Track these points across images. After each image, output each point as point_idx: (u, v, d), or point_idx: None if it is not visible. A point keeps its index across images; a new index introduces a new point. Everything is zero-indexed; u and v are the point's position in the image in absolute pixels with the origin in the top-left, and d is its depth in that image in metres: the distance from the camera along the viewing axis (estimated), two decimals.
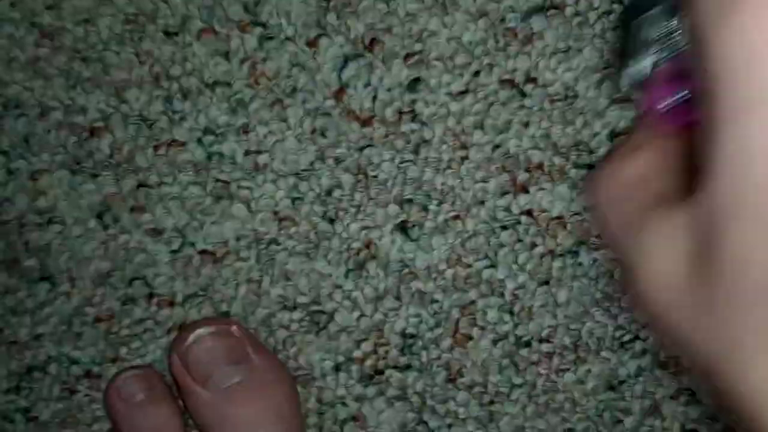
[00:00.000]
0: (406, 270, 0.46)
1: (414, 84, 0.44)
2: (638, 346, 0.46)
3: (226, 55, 0.44)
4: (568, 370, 0.46)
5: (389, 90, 0.44)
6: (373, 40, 0.44)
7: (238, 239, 0.45)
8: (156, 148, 0.44)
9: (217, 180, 0.45)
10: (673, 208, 0.20)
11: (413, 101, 0.44)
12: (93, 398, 0.46)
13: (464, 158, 0.45)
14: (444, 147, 0.45)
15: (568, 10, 0.44)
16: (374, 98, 0.44)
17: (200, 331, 0.43)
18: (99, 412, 0.46)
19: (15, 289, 0.45)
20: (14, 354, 0.46)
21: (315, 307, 0.46)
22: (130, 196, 0.45)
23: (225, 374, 0.43)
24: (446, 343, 0.46)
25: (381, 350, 0.46)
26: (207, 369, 0.43)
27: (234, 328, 0.44)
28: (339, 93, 0.44)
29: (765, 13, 0.17)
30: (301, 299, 0.46)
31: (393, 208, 0.45)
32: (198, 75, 0.44)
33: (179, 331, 0.45)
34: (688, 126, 0.21)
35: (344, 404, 0.47)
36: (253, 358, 0.44)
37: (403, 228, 0.45)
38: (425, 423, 0.47)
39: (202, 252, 0.45)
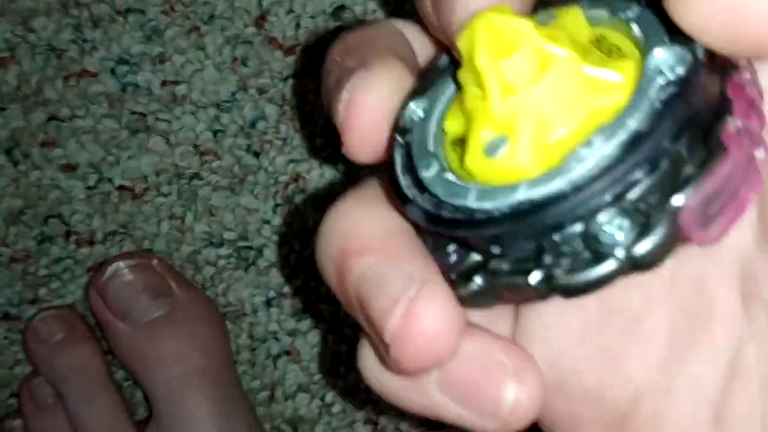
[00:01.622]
0: None
1: (338, 11, 0.42)
2: None
3: None
4: None
5: (313, 17, 0.42)
6: (340, 7, 0.42)
7: (157, 174, 0.43)
8: (66, 79, 0.42)
9: (133, 112, 0.43)
10: None
11: (338, 29, 0.43)
12: (12, 340, 0.45)
13: None
14: None
15: None
16: (297, 26, 0.43)
17: (119, 264, 0.42)
18: (19, 354, 0.45)
19: None
20: None
21: (242, 243, 0.45)
22: (40, 130, 0.42)
23: (146, 308, 0.42)
24: None
25: (312, 284, 0.46)
26: (127, 303, 0.42)
27: (155, 261, 0.43)
28: (260, 20, 0.42)
29: None
30: (228, 235, 0.44)
31: (320, 141, 0.44)
32: (109, 1, 0.42)
33: (98, 266, 0.44)
34: None
35: (276, 339, 0.46)
36: (176, 292, 0.42)
37: (332, 160, 0.44)
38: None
39: (120, 188, 0.43)
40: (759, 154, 0.17)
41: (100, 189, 0.43)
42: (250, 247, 0.45)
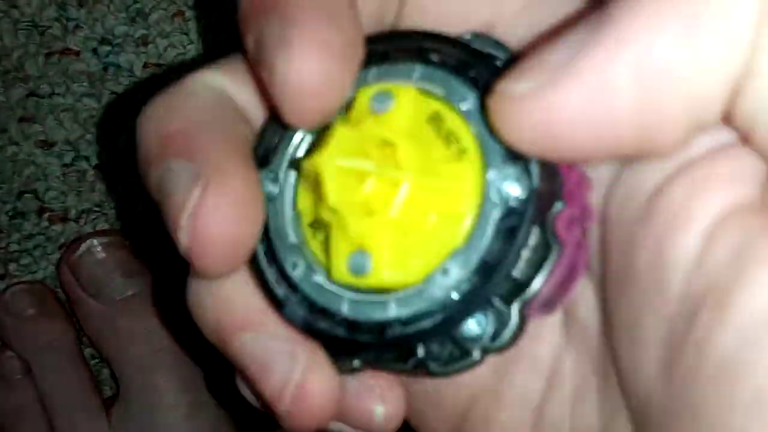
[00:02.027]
0: None
1: None
2: None
3: None
4: None
5: None
6: None
7: None
8: (48, 56, 0.42)
9: (113, 92, 0.43)
10: None
11: None
12: None
13: None
14: None
15: None
16: None
17: (92, 241, 0.42)
18: None
19: None
20: None
21: None
22: (19, 106, 0.43)
23: (118, 286, 0.42)
24: None
25: None
26: (99, 281, 0.42)
27: (128, 241, 0.43)
28: None
29: None
30: None
31: None
32: None
33: (71, 243, 0.44)
34: None
35: None
36: (148, 272, 0.43)
37: None
38: None
39: (97, 166, 0.44)
40: (585, 239, 0.20)
41: (77, 167, 0.44)
42: None
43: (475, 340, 0.19)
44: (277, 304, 0.20)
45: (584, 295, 0.20)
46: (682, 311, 0.17)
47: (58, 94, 0.43)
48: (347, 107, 0.20)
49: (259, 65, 0.19)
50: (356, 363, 0.21)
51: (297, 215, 0.21)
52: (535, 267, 0.19)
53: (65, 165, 0.44)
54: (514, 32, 0.21)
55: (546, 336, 0.21)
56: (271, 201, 0.21)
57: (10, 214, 0.44)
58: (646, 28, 0.16)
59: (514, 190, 0.19)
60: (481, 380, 0.22)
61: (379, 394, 0.21)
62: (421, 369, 0.20)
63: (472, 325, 0.19)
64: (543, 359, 0.21)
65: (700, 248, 0.17)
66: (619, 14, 0.16)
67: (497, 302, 0.19)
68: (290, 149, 0.21)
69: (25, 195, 0.44)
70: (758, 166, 0.18)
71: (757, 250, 0.17)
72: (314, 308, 0.20)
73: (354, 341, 0.20)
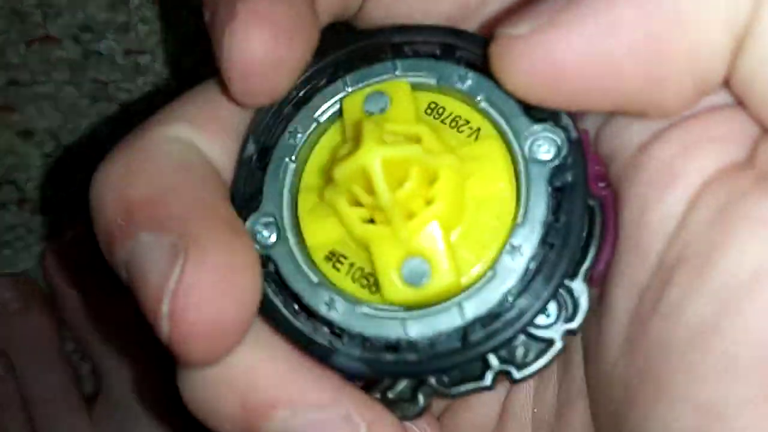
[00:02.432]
0: None
1: None
2: None
3: None
4: None
5: None
6: None
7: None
8: (29, 44, 0.42)
9: (95, 80, 0.43)
10: None
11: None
12: None
13: None
14: None
15: None
16: None
17: (75, 232, 0.42)
18: None
19: None
20: None
21: None
22: (0, 95, 0.42)
23: (100, 278, 0.41)
24: None
25: None
26: (82, 272, 0.41)
27: None
28: None
29: None
30: None
31: None
32: None
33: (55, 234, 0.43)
34: None
35: None
36: None
37: None
38: None
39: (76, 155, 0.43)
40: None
41: (58, 156, 0.43)
42: None
43: (553, 329, 0.18)
44: (323, 355, 0.18)
45: None
46: (655, 280, 0.17)
47: (39, 82, 0.42)
48: (339, 122, 0.19)
49: (213, 43, 0.19)
50: (420, 401, 0.18)
51: (309, 252, 0.18)
52: (592, 238, 0.18)
53: (46, 155, 0.43)
54: (474, 26, 0.20)
55: None
56: (271, 248, 0.18)
57: None
58: None
59: (551, 148, 0.18)
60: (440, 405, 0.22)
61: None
62: (503, 378, 0.18)
63: (547, 316, 0.18)
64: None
65: (685, 209, 0.17)
66: None
67: (567, 289, 0.18)
68: (281, 181, 0.19)
69: (6, 185, 0.43)
70: (749, 129, 0.17)
71: (740, 210, 0.16)
72: (372, 344, 0.17)
73: (431, 363, 0.17)
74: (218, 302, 0.17)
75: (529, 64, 0.17)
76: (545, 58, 0.16)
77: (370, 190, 0.17)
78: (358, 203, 0.18)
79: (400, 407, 0.19)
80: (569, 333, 0.18)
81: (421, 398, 0.18)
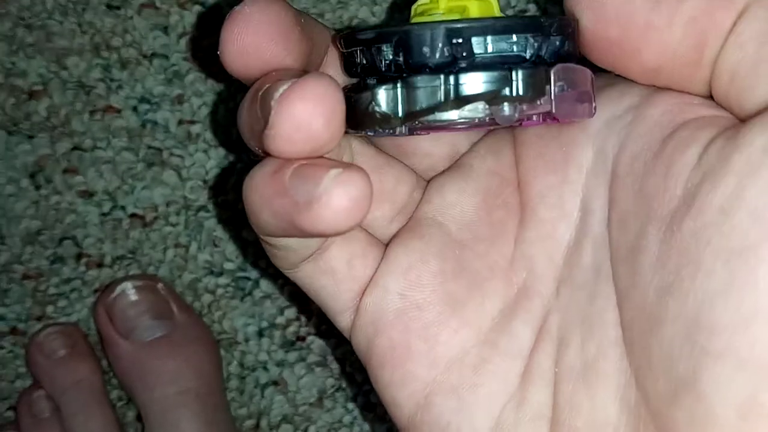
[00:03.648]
0: None
1: None
2: None
3: (165, 30, 0.46)
4: None
5: None
6: None
7: (167, 205, 0.47)
8: (92, 113, 0.46)
9: (150, 147, 0.47)
10: None
11: None
12: (16, 355, 0.47)
13: None
14: None
15: None
16: None
17: (126, 284, 0.45)
18: (21, 368, 0.47)
19: None
20: None
21: (241, 274, 0.48)
22: (64, 159, 0.46)
23: (148, 327, 0.44)
24: None
25: (303, 317, 0.49)
26: (131, 322, 0.44)
27: (159, 285, 0.46)
28: None
29: None
30: (228, 265, 0.48)
31: None
32: (137, 46, 0.46)
33: (106, 286, 0.46)
34: None
35: (266, 369, 0.49)
36: (177, 315, 0.45)
37: None
38: (343, 389, 0.49)
39: (132, 215, 0.47)
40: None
41: (114, 215, 0.47)
42: (247, 278, 0.48)
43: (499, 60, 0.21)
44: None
45: (586, 247, 0.23)
46: (681, 204, 0.20)
47: (100, 148, 0.46)
48: None
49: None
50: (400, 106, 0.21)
51: None
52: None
53: (103, 214, 0.47)
54: None
55: (540, 290, 0.24)
56: None
57: (51, 259, 0.47)
58: None
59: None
60: (479, 333, 0.24)
61: (341, 166, 0.21)
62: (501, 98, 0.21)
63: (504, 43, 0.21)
64: (535, 311, 0.24)
65: (700, 153, 0.20)
66: None
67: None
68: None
69: (66, 241, 0.47)
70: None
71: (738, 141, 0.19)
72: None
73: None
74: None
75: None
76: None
77: None
78: None
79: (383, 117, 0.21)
80: (511, 80, 0.21)
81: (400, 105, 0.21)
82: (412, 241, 0.25)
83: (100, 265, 0.47)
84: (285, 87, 0.21)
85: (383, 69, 0.21)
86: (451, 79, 0.21)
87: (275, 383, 0.49)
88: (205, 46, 0.46)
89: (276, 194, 0.22)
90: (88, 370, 0.46)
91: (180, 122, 0.47)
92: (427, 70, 0.21)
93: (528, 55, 0.21)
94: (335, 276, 0.26)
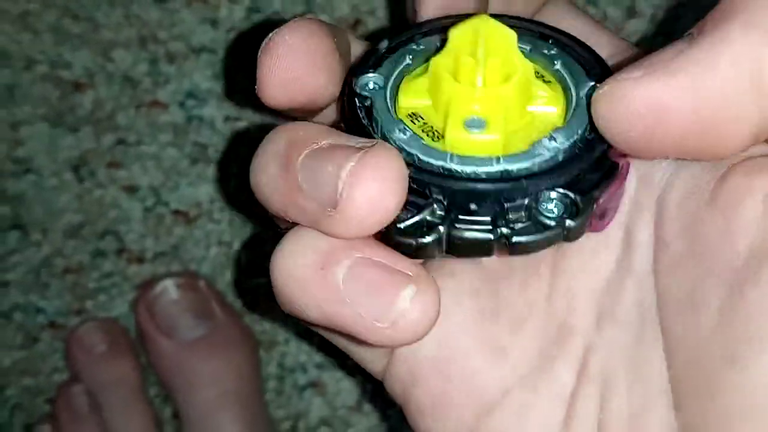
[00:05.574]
0: None
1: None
2: None
3: (214, 23, 0.45)
4: None
5: None
6: (357, 21, 0.46)
7: (211, 202, 0.46)
8: (138, 107, 0.46)
9: (195, 143, 0.46)
10: None
11: None
12: (55, 348, 0.47)
13: None
14: None
15: None
16: None
17: (168, 282, 0.44)
18: (60, 362, 0.47)
19: None
20: None
21: None
22: (108, 153, 0.46)
23: (189, 327, 0.44)
24: None
25: None
26: (172, 320, 0.44)
27: (201, 283, 0.45)
28: None
29: None
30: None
31: None
32: (185, 40, 0.45)
33: (147, 283, 0.46)
34: None
35: (305, 370, 0.48)
36: (218, 315, 0.45)
37: None
38: (382, 394, 0.48)
39: (176, 212, 0.46)
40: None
41: (157, 211, 0.46)
42: None
43: (553, 217, 0.20)
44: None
45: (625, 290, 0.22)
46: (746, 267, 0.19)
47: (145, 143, 0.46)
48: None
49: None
50: (434, 235, 0.20)
51: (394, 106, 0.22)
52: (599, 174, 0.21)
53: (146, 209, 0.46)
54: None
55: (580, 331, 0.22)
56: (376, 90, 0.22)
57: (92, 253, 0.46)
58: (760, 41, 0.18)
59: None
60: (522, 372, 0.23)
61: (414, 281, 0.20)
62: (503, 239, 0.20)
63: (552, 202, 0.21)
64: (575, 355, 0.22)
65: (763, 208, 0.19)
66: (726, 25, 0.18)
67: (577, 189, 0.21)
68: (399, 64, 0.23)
69: (108, 236, 0.46)
70: None
71: None
72: (419, 161, 0.21)
73: (459, 189, 0.20)
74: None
75: (630, 103, 0.19)
76: (646, 98, 0.18)
77: (472, 52, 0.21)
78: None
79: (413, 235, 0.20)
80: (566, 228, 0.21)
81: (434, 234, 0.20)
82: (443, 280, 0.23)
83: (141, 261, 0.47)
84: (352, 164, 0.19)
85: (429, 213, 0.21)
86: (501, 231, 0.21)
87: (314, 385, 0.48)
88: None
89: (328, 299, 0.19)
90: (129, 367, 0.45)
91: (226, 119, 0.46)
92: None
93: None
94: None
